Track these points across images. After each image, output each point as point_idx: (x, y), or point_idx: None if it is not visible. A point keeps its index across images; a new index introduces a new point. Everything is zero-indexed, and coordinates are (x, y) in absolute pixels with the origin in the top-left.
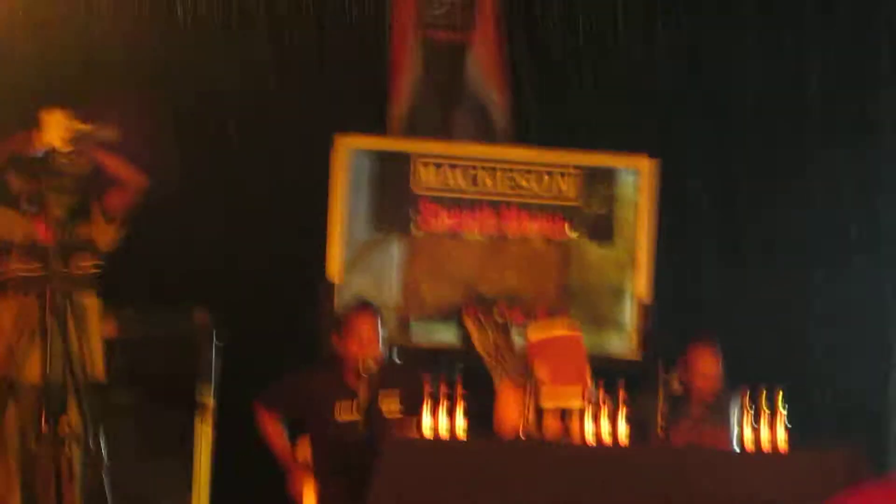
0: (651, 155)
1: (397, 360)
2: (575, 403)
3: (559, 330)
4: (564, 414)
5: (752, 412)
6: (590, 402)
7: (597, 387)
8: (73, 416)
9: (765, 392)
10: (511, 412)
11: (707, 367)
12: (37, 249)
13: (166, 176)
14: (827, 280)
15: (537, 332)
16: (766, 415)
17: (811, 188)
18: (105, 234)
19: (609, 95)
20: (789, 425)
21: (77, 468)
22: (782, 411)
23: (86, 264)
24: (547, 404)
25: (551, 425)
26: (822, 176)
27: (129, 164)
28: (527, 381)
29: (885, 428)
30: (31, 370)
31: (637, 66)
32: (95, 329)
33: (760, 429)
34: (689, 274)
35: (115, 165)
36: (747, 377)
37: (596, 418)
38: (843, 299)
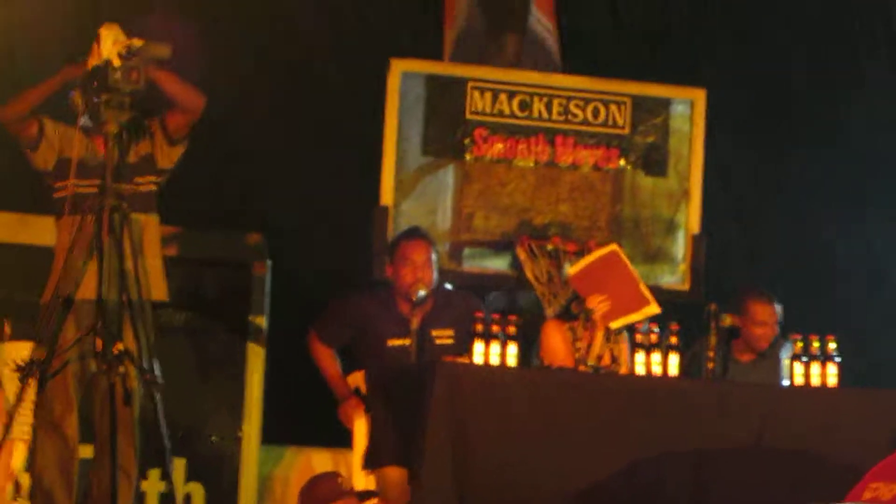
0: (703, 86)
1: (449, 287)
2: (645, 312)
3: (594, 255)
4: (613, 346)
5: (804, 357)
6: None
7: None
8: (128, 336)
9: (817, 338)
10: (557, 343)
11: (765, 316)
12: (94, 166)
13: (224, 98)
14: (876, 224)
15: (575, 266)
16: (818, 360)
17: (867, 126)
18: (166, 156)
19: (661, 26)
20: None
21: (132, 388)
22: (834, 357)
23: (145, 183)
24: (615, 325)
25: (601, 356)
26: (880, 114)
27: (187, 84)
28: (579, 311)
29: None
30: (88, 288)
31: None
32: (154, 249)
33: (811, 371)
34: (741, 207)
35: (172, 84)
36: (800, 320)
37: (647, 350)
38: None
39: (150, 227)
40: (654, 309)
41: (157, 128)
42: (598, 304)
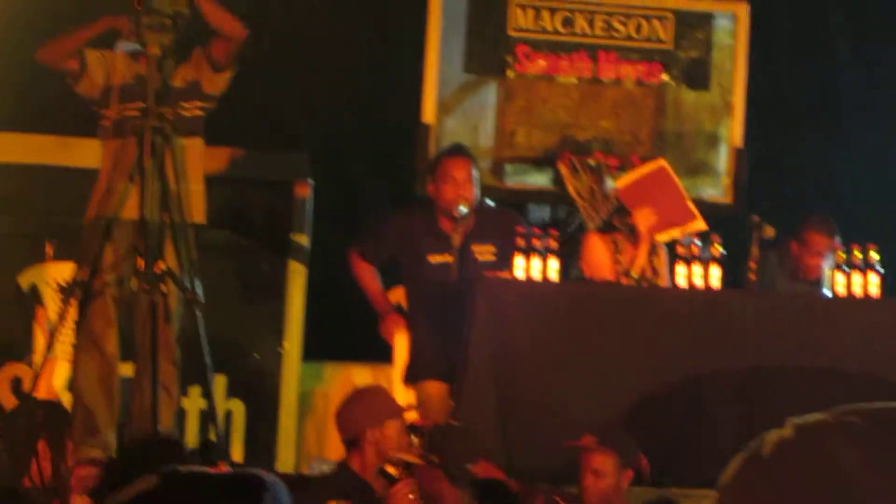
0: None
1: (490, 204)
2: (691, 227)
3: (643, 169)
4: (654, 259)
5: (847, 266)
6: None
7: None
8: (169, 256)
9: (859, 248)
10: (600, 256)
11: (822, 247)
12: (136, 89)
13: (266, 19)
14: None
15: (623, 180)
16: (860, 270)
17: None
18: (212, 82)
19: None
20: (881, 273)
21: (173, 308)
22: (876, 266)
23: (190, 107)
24: (660, 238)
25: (642, 270)
26: None
27: (227, 13)
28: (620, 225)
29: None
30: (130, 210)
31: None
32: (197, 171)
33: (852, 281)
34: (783, 121)
35: (213, 12)
36: (843, 232)
37: (688, 262)
38: None
39: (192, 150)
40: (700, 224)
41: (202, 55)
42: (644, 218)
